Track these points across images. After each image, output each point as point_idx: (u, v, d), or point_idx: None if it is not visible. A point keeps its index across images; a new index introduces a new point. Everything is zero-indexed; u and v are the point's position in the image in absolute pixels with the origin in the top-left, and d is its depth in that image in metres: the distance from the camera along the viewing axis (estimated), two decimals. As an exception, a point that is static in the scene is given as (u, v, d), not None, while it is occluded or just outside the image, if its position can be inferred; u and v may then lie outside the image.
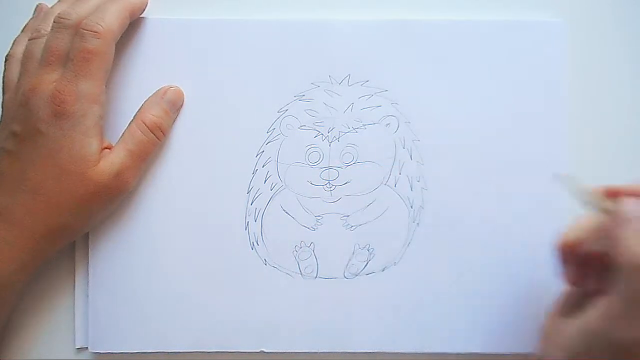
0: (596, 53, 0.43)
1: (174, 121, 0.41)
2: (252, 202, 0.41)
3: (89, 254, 0.41)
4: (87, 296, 0.41)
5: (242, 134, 0.41)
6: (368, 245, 0.41)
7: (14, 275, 0.37)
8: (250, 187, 0.42)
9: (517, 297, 0.41)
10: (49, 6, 0.42)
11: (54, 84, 0.37)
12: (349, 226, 0.41)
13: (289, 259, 0.41)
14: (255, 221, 0.41)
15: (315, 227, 0.41)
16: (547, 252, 0.42)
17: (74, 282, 0.42)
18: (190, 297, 0.41)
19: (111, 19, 0.38)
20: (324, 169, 0.41)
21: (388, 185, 0.42)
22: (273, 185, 0.41)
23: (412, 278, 0.41)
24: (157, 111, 0.40)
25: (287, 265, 0.41)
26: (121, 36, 0.41)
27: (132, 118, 0.40)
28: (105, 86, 0.39)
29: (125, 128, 0.40)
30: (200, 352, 0.41)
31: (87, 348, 0.41)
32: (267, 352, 0.41)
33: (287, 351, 0.41)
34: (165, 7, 0.43)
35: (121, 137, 0.40)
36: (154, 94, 0.41)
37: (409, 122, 0.42)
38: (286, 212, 0.42)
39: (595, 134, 0.43)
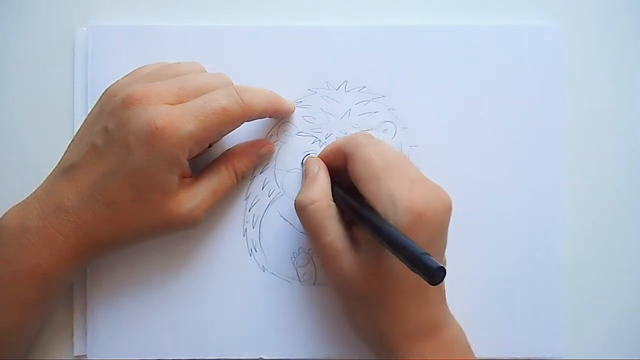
0: (591, 57, 0.43)
1: None
2: (250, 209, 0.41)
3: (87, 262, 0.41)
4: (86, 304, 0.41)
5: (239, 140, 0.41)
6: (366, 251, 0.41)
7: (63, 270, 0.37)
8: (248, 194, 0.42)
9: (516, 301, 0.41)
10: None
11: (167, 115, 0.35)
12: (347, 232, 0.41)
13: (287, 266, 0.41)
14: (253, 228, 0.41)
15: (313, 234, 0.41)
16: (548, 255, 0.42)
17: (72, 290, 0.41)
18: (188, 305, 0.41)
19: (256, 100, 0.38)
20: (322, 175, 0.41)
21: (386, 191, 0.42)
22: (271, 191, 0.41)
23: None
24: (249, 162, 0.40)
25: (285, 271, 0.41)
26: (118, 44, 0.41)
27: (220, 156, 0.40)
28: None
29: (211, 163, 0.40)
30: (198, 359, 0.41)
31: (85, 356, 0.41)
32: (266, 359, 0.41)
33: (285, 358, 0.41)
34: (162, 13, 0.43)
35: (207, 174, 0.39)
36: (251, 143, 0.41)
37: (406, 128, 0.42)
38: (284, 219, 0.41)
39: (592, 137, 0.43)
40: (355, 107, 0.42)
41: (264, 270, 0.41)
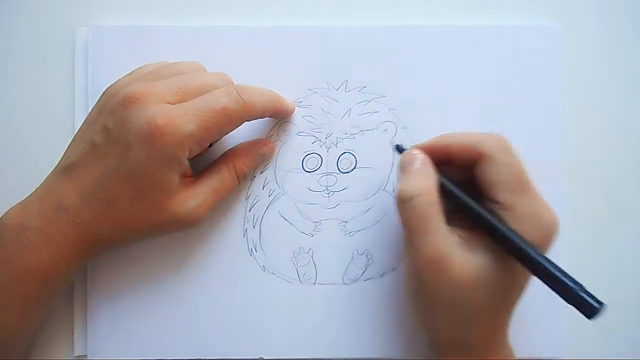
0: (591, 57, 0.43)
1: None
2: (250, 209, 0.41)
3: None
4: (86, 304, 0.41)
5: (240, 140, 0.41)
6: (367, 251, 0.41)
7: (63, 269, 0.37)
8: (249, 194, 0.42)
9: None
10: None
11: (168, 114, 0.35)
12: (348, 232, 0.41)
13: (287, 266, 0.41)
14: (254, 228, 0.41)
15: (313, 233, 0.41)
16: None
17: (72, 289, 0.41)
18: (188, 304, 0.41)
19: (256, 99, 0.38)
20: (322, 175, 0.41)
21: (386, 191, 0.42)
22: (271, 191, 0.41)
23: (411, 283, 0.41)
24: (249, 162, 0.40)
25: (285, 271, 0.41)
26: (118, 44, 0.41)
27: (221, 156, 0.40)
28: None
29: (212, 163, 0.40)
30: (199, 359, 0.41)
31: (85, 356, 0.41)
32: (266, 359, 0.41)
33: (286, 358, 0.41)
34: (162, 13, 0.43)
35: (208, 173, 0.39)
36: (252, 142, 0.41)
37: (407, 128, 0.42)
38: (284, 219, 0.42)
39: (592, 137, 0.43)
40: (355, 107, 0.42)
41: (264, 270, 0.41)
